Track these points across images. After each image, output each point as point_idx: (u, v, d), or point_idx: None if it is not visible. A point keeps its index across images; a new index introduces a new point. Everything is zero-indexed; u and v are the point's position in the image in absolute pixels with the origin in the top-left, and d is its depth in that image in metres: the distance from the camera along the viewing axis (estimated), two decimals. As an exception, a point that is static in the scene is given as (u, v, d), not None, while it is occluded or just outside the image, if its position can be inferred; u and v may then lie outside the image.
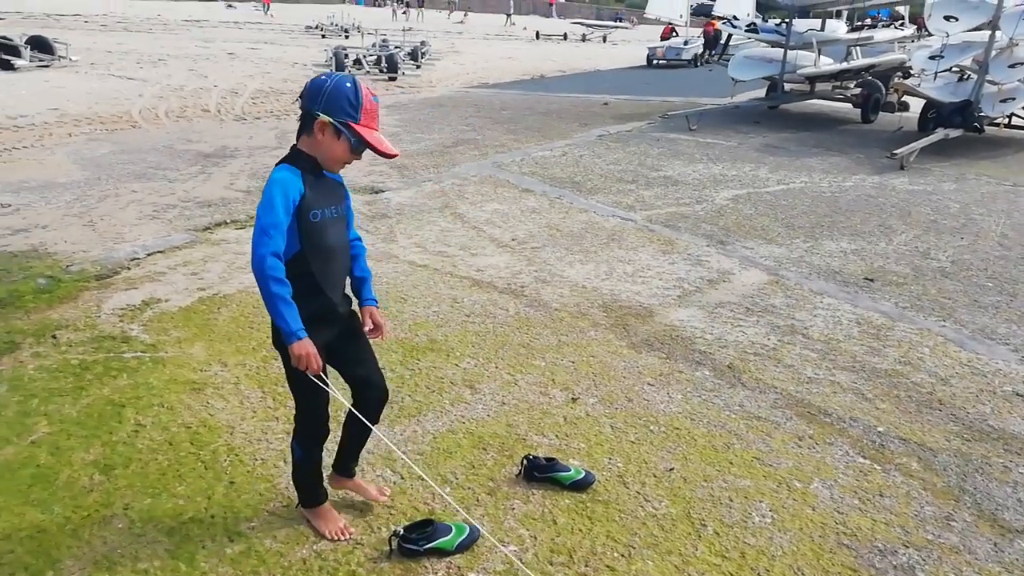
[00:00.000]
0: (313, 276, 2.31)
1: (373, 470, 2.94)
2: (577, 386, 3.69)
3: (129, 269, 4.99)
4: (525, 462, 2.92)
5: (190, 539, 2.54)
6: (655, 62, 26.39)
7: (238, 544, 2.52)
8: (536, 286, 4.98)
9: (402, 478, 2.90)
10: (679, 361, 4.00)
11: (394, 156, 2.37)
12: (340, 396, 2.39)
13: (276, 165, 2.31)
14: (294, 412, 2.50)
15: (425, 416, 3.35)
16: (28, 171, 7.37)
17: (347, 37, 28.40)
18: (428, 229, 6.12)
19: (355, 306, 2.57)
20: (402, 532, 2.50)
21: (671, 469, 3.04)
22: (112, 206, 6.37)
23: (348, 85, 2.24)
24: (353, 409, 2.52)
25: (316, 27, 31.66)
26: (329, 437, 2.56)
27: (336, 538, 2.55)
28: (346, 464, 2.73)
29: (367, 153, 2.32)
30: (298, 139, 2.32)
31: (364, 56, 18.13)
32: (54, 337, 3.95)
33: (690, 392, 3.67)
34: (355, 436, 2.65)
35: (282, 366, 2.40)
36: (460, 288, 4.88)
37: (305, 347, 2.22)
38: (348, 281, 2.53)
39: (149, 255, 5.25)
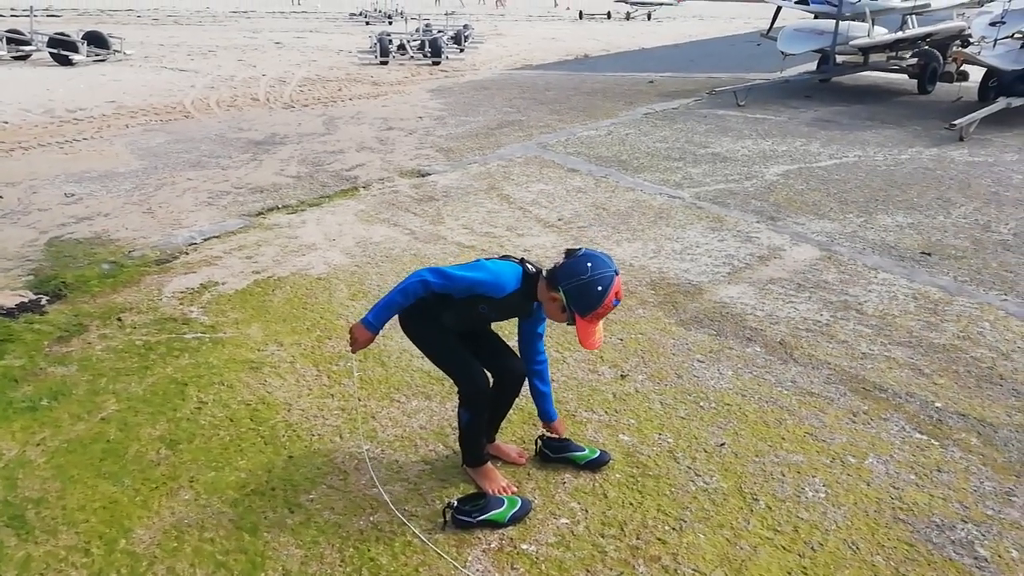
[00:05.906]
0: (441, 314, 2.59)
1: (426, 444, 3.01)
2: (626, 363, 3.69)
3: (187, 254, 5.15)
4: (539, 443, 2.93)
5: (252, 510, 2.63)
6: None
7: (298, 515, 2.61)
8: (583, 265, 4.97)
9: (454, 452, 2.96)
10: (729, 338, 3.97)
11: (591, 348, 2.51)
12: (356, 383, 2.86)
13: (516, 264, 2.55)
14: (456, 388, 2.67)
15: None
16: (89, 162, 7.63)
17: (391, 23, 28.54)
18: (475, 211, 6.16)
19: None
20: (456, 504, 2.55)
21: (722, 444, 3.03)
22: (169, 194, 6.56)
23: (599, 289, 2.34)
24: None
25: (360, 14, 31.90)
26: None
27: (500, 495, 2.65)
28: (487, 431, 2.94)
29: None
30: (546, 273, 2.48)
31: (408, 41, 18.18)
32: (119, 319, 4.11)
33: (741, 368, 3.65)
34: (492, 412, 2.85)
35: (359, 349, 2.65)
36: (507, 268, 4.90)
37: (362, 332, 2.54)
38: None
39: (205, 240, 5.41)
